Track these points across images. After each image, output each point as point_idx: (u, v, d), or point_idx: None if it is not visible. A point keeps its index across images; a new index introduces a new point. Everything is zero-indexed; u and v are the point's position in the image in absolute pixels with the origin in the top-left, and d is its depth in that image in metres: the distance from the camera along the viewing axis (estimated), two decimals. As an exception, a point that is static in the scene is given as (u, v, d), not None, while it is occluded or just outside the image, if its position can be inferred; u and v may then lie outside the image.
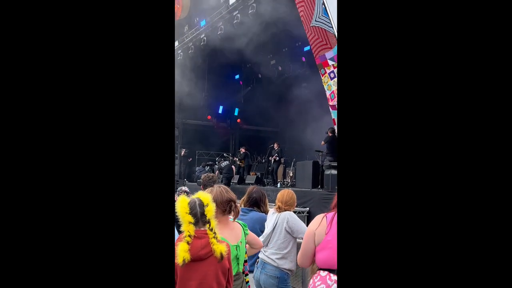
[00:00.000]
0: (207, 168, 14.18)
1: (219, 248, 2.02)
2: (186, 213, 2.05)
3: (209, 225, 2.06)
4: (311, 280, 2.00)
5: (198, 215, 2.05)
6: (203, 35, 13.76)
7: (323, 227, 1.99)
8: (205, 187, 4.06)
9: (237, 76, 18.19)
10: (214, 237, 2.03)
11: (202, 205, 2.08)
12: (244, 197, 3.52)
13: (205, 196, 2.13)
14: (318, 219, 2.06)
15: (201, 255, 1.98)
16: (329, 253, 1.91)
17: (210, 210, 2.08)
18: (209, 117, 18.21)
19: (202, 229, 2.05)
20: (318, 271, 2.00)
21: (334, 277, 1.88)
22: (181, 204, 2.07)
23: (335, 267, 1.87)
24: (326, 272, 1.93)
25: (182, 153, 15.88)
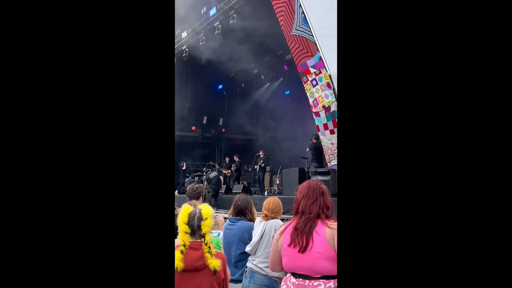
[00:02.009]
0: (196, 178, 14.04)
1: (213, 263, 2.05)
2: (184, 222, 2.09)
3: (204, 240, 2.08)
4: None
5: (195, 227, 2.08)
6: (185, 46, 13.78)
7: (282, 236, 2.16)
8: (190, 199, 4.04)
9: (220, 86, 18.23)
10: (208, 252, 2.06)
11: (200, 218, 2.10)
12: (231, 207, 3.53)
13: (207, 209, 2.15)
14: (281, 227, 2.24)
15: (197, 266, 2.02)
16: (286, 260, 2.11)
17: (207, 225, 2.11)
18: (193, 127, 18.16)
19: (198, 240, 2.08)
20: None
21: (293, 280, 2.06)
22: (183, 213, 2.12)
23: (293, 271, 2.10)
24: (289, 274, 2.13)
25: (184, 167, 14.91)
